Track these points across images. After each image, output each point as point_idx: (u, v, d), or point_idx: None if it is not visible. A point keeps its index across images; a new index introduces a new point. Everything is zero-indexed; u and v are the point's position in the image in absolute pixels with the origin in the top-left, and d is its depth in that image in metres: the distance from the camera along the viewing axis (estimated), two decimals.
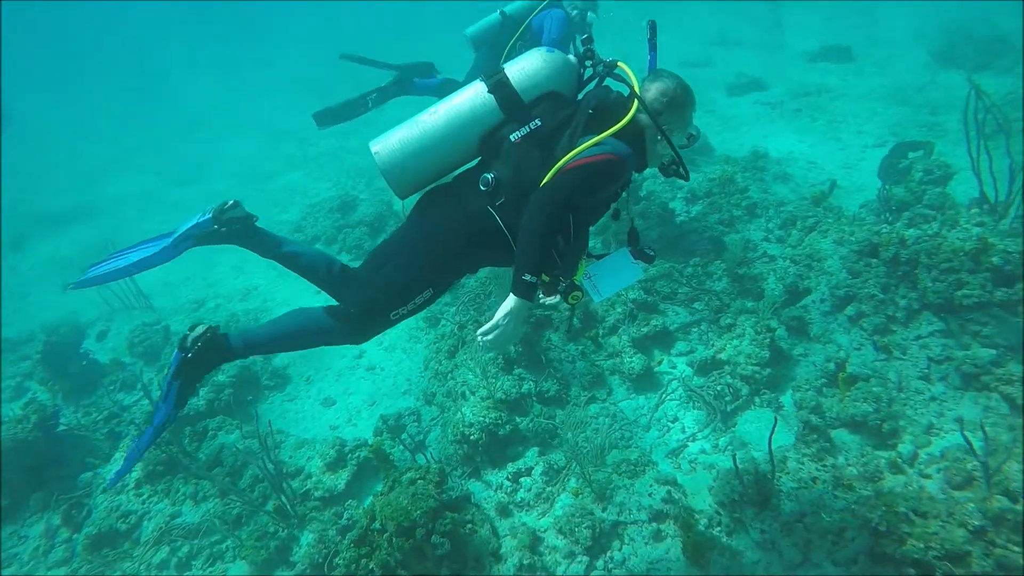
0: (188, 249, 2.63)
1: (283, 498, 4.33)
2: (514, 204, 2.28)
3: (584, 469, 3.96)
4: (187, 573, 4.29)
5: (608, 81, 2.48)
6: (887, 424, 3.93)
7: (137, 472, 4.83)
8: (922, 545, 2.80)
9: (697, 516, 3.67)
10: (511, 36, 5.38)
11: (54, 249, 10.39)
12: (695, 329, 5.26)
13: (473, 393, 4.87)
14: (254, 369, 6.24)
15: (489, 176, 2.31)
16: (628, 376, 4.89)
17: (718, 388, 4.59)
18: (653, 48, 2.43)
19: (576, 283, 2.28)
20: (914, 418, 4.02)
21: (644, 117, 2.30)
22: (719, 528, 3.62)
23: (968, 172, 5.61)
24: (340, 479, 4.69)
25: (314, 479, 4.72)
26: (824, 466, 3.68)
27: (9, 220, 11.41)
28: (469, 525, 3.81)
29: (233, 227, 2.60)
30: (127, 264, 2.58)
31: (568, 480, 4.17)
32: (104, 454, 5.21)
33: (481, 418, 4.42)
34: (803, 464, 3.72)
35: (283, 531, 4.27)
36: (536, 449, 4.46)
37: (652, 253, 2.53)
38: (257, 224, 2.67)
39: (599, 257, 2.56)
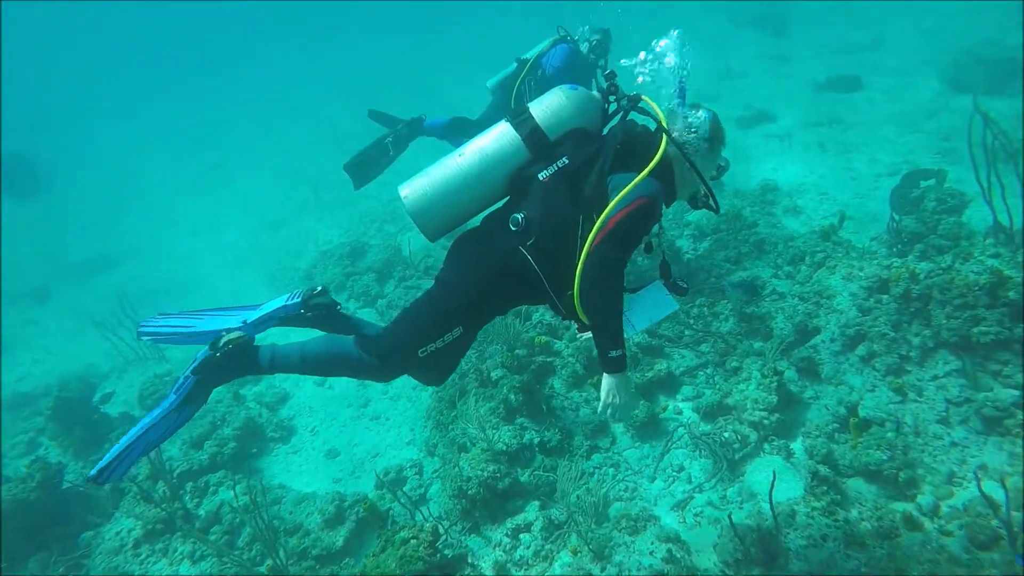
0: (270, 328, 2.60)
1: (278, 558, 4.22)
2: (545, 243, 2.28)
3: (580, 527, 3.79)
4: None
5: (633, 115, 2.49)
6: (903, 473, 3.71)
7: (137, 532, 4.79)
8: None
9: None
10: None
11: (74, 301, 10.63)
12: (702, 373, 5.10)
13: (474, 444, 4.76)
14: (259, 421, 6.22)
15: (519, 216, 2.29)
16: (632, 424, 4.73)
17: (725, 435, 4.40)
18: (682, 97, 2.42)
19: None
20: (933, 466, 3.79)
21: (673, 150, 2.32)
22: None
23: (993, 195, 5.39)
24: (339, 536, 4.58)
25: (312, 536, 4.61)
26: (836, 521, 3.46)
27: (32, 270, 11.75)
28: None
29: (319, 312, 2.57)
30: (203, 330, 2.51)
31: (569, 536, 4.00)
32: (107, 512, 5.17)
33: (479, 472, 4.30)
34: (813, 519, 3.51)
35: None
36: (537, 503, 4.31)
37: (684, 286, 2.52)
38: (340, 310, 2.65)
39: (632, 291, 2.52)
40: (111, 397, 6.92)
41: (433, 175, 2.37)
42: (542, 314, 5.72)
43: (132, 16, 36.79)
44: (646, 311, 2.50)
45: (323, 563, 4.46)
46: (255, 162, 15.97)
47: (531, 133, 2.35)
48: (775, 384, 4.45)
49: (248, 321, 2.52)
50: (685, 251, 6.54)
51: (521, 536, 4.13)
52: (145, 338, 2.49)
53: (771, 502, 3.33)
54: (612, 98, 2.47)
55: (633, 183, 2.17)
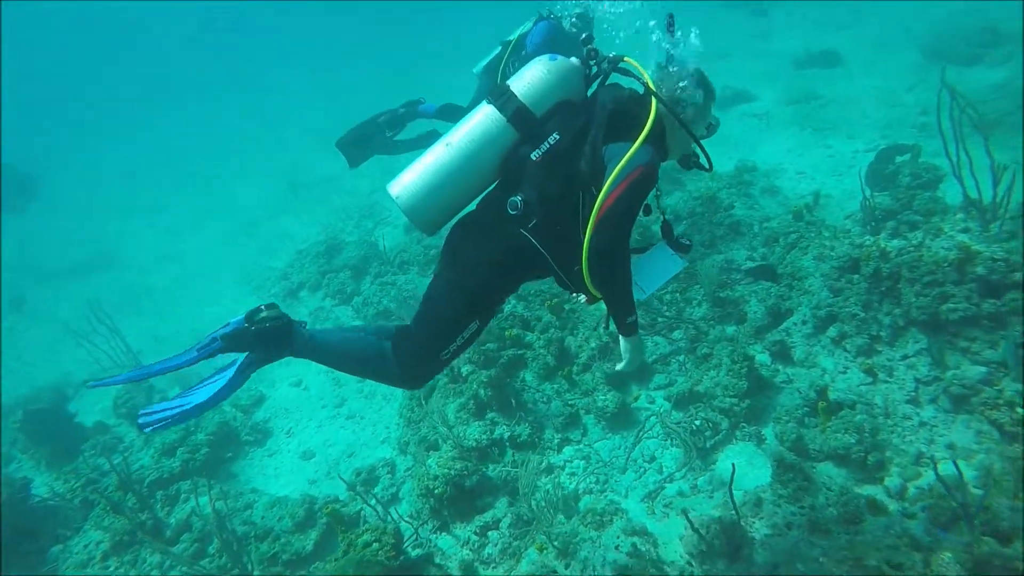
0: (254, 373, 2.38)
1: (243, 567, 4.14)
2: (546, 222, 2.23)
3: (542, 525, 3.72)
4: None
5: (615, 77, 2.43)
6: (872, 456, 3.64)
7: (105, 544, 4.72)
8: None
9: (667, 568, 3.41)
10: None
11: (52, 308, 10.51)
12: (674, 360, 5.02)
13: (445, 441, 4.69)
14: (234, 425, 6.14)
15: (517, 200, 2.23)
16: (603, 414, 4.66)
17: (696, 424, 4.33)
18: (671, 31, 2.33)
19: None
20: (902, 447, 3.72)
21: (663, 110, 2.25)
22: None
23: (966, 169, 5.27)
24: (308, 540, 4.52)
25: (282, 541, 4.55)
26: (801, 507, 3.40)
27: (7, 277, 11.57)
28: None
29: (266, 327, 2.30)
30: (199, 403, 2.24)
31: (537, 533, 3.93)
32: (76, 525, 5.10)
33: (446, 470, 4.22)
34: (779, 506, 3.44)
35: None
36: (506, 499, 4.24)
37: (688, 243, 2.49)
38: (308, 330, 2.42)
39: (637, 252, 2.47)
40: (79, 411, 6.80)
41: (421, 168, 2.29)
42: (513, 306, 5.63)
43: (111, 17, 36.30)
44: (654, 273, 2.47)
45: (293, 568, 4.40)
46: (236, 161, 15.81)
47: (516, 112, 2.27)
48: (745, 370, 4.37)
49: (232, 376, 2.27)
50: (659, 237, 6.44)
51: (489, 534, 4.07)
52: (147, 430, 2.23)
53: (731, 494, 3.26)
54: (592, 63, 2.40)
55: (628, 155, 2.11)
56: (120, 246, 13.03)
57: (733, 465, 3.36)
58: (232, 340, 2.21)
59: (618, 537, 3.60)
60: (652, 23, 2.38)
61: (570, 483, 4.34)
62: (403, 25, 28.76)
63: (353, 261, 8.19)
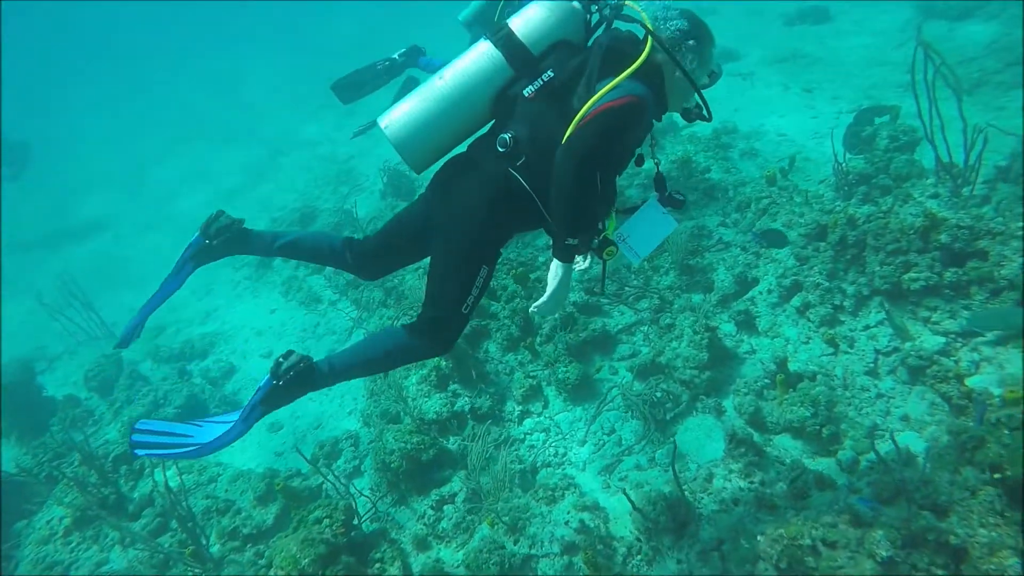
0: (192, 272, 2.60)
1: (199, 543, 4.13)
2: (536, 162, 2.15)
3: (495, 499, 3.70)
4: None
5: (617, 24, 2.36)
6: (826, 429, 3.60)
7: (67, 520, 4.72)
8: None
9: (616, 544, 3.40)
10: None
11: (29, 279, 10.39)
12: (639, 330, 4.95)
13: (407, 414, 4.65)
14: (202, 397, 6.12)
15: (507, 136, 2.16)
16: (564, 386, 4.61)
17: (656, 395, 4.28)
18: None
19: (609, 237, 2.21)
20: (857, 420, 3.67)
21: (661, 56, 2.20)
22: (639, 557, 3.34)
23: (947, 132, 5.09)
24: (269, 513, 4.52)
25: (243, 515, 4.55)
26: (752, 483, 3.37)
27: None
28: (378, 564, 3.60)
29: (224, 236, 2.53)
30: (145, 305, 2.59)
31: (491, 507, 3.92)
32: (42, 500, 5.10)
33: (402, 444, 4.19)
34: (729, 481, 3.41)
35: None
36: (463, 473, 4.22)
37: (681, 198, 2.42)
38: (245, 227, 2.59)
39: (628, 211, 2.42)
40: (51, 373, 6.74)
41: (413, 102, 2.24)
42: None
43: None
44: (645, 235, 2.39)
45: (254, 542, 4.41)
46: (217, 129, 15.46)
47: (513, 49, 2.23)
48: (706, 341, 4.30)
49: (170, 274, 2.55)
50: (634, 200, 6.30)
51: (445, 507, 4.06)
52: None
53: (674, 470, 3.23)
54: (594, 7, 2.34)
55: (615, 82, 2.03)
56: (100, 215, 12.84)
57: (675, 443, 3.31)
58: (269, 402, 2.26)
59: (568, 513, 3.58)
60: None
61: (529, 456, 4.31)
62: None
63: (327, 229, 8.05)
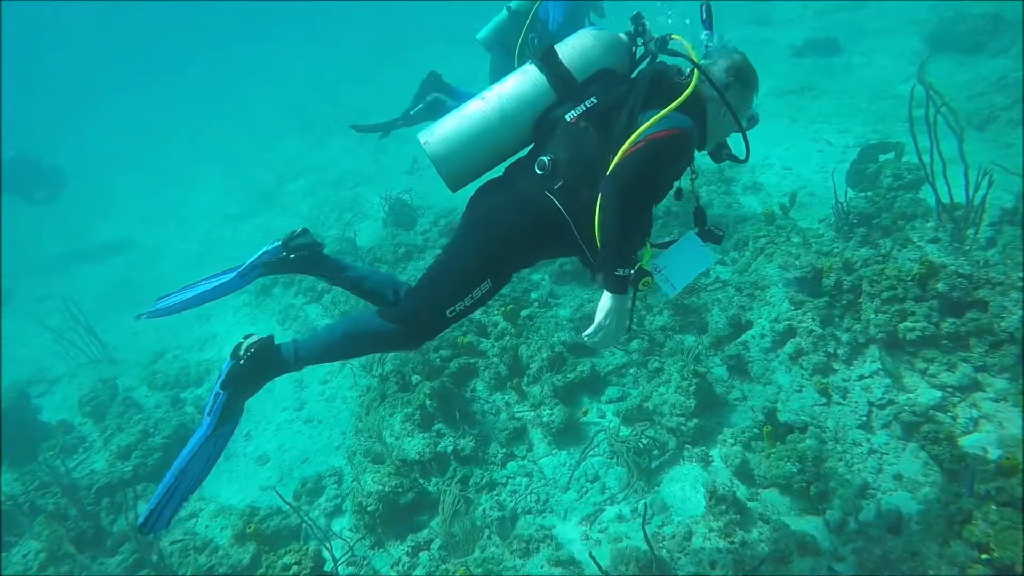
0: (257, 278, 2.52)
1: None
2: (573, 186, 2.16)
3: (460, 551, 3.59)
4: None
5: (661, 58, 2.38)
6: (814, 487, 3.44)
7: (42, 555, 4.67)
8: None
9: None
10: (520, 31, 5.16)
11: (36, 302, 10.52)
12: (629, 372, 4.83)
13: (391, 453, 4.56)
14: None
15: (545, 159, 2.17)
16: (549, 429, 4.49)
17: (642, 443, 4.14)
18: (709, 27, 2.31)
19: (644, 268, 2.15)
20: (847, 477, 3.51)
21: (707, 90, 2.20)
22: None
23: (951, 170, 4.94)
24: (246, 552, 4.43)
25: (220, 552, 4.47)
26: (732, 543, 3.21)
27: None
28: None
29: (301, 254, 2.46)
30: (194, 295, 2.45)
31: (466, 557, 3.80)
32: (24, 530, 5.06)
33: (379, 487, 4.10)
34: (709, 540, 3.27)
35: None
36: (441, 518, 4.10)
37: (721, 233, 2.38)
38: (324, 252, 2.54)
39: (664, 246, 2.40)
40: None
41: (454, 121, 2.27)
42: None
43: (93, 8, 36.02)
44: (682, 267, 2.36)
45: None
46: (224, 153, 15.68)
47: (557, 74, 2.25)
48: (694, 387, 4.17)
49: (234, 276, 2.42)
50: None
51: (420, 555, 3.94)
52: (151, 317, 2.39)
53: (644, 532, 3.08)
54: (640, 41, 2.36)
55: (662, 114, 2.04)
56: (106, 240, 13.01)
57: (645, 505, 3.17)
58: (231, 386, 2.19)
59: (542, 567, 3.45)
60: (687, 21, 2.38)
61: (510, 501, 4.19)
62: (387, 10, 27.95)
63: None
